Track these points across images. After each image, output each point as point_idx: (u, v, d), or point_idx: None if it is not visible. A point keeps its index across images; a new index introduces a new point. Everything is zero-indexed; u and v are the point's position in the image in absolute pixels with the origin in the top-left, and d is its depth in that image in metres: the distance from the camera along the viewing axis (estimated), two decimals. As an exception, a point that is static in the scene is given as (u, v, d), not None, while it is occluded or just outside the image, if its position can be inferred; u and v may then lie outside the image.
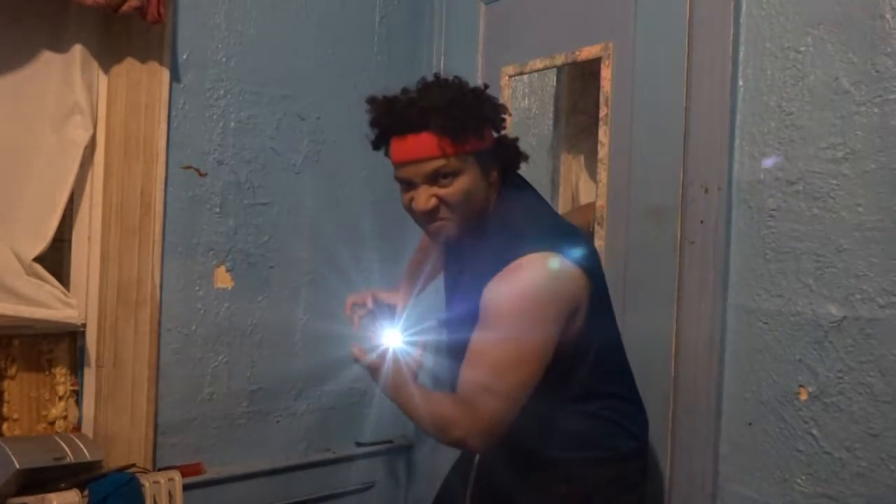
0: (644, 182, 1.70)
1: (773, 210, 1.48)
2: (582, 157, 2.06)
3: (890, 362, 1.31)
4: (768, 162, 1.49)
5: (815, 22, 1.43)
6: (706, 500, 1.56)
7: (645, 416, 1.50)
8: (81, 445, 1.71)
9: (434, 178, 1.31)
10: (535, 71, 2.02)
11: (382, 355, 1.37)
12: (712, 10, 1.57)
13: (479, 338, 1.27)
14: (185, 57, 1.95)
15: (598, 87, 1.81)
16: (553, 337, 1.26)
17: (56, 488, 1.63)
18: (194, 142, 1.98)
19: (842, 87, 1.38)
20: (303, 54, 2.16)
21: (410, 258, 1.80)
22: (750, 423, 1.51)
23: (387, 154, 1.36)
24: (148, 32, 1.84)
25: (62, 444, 1.69)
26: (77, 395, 1.86)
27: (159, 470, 1.90)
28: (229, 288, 2.06)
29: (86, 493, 1.64)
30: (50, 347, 1.83)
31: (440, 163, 1.29)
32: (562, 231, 1.37)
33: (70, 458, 1.67)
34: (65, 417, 1.84)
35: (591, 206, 1.86)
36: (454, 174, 1.30)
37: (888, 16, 1.32)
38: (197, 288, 2.01)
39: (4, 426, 1.78)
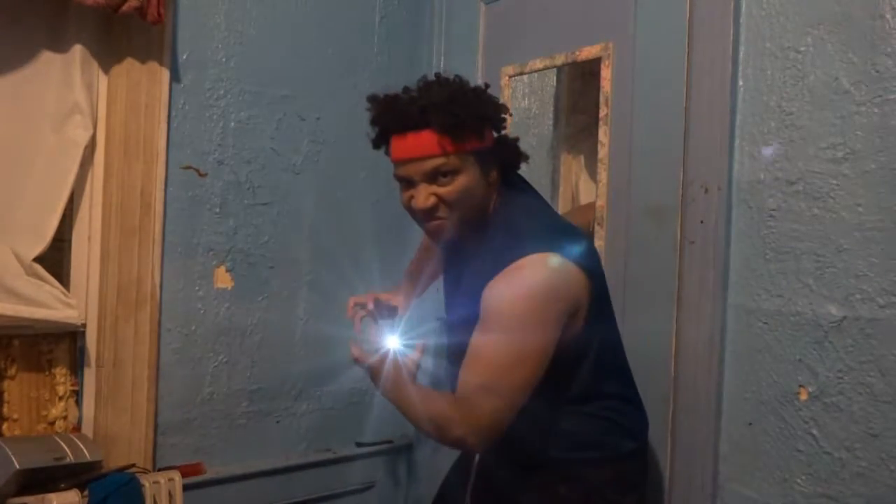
0: (644, 182, 1.70)
1: (773, 210, 1.48)
2: (582, 157, 2.06)
3: (890, 362, 1.31)
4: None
5: (815, 22, 1.43)
6: (706, 500, 1.56)
7: (645, 417, 1.50)
8: (81, 445, 1.71)
9: (433, 177, 1.31)
10: (535, 71, 2.02)
11: (382, 357, 1.37)
12: (712, 10, 1.57)
13: (480, 338, 1.27)
14: (185, 57, 1.95)
15: (598, 87, 1.81)
16: (553, 337, 1.26)
17: (56, 488, 1.63)
18: (194, 142, 1.98)
19: (842, 87, 1.38)
20: (303, 54, 2.16)
21: (412, 258, 1.80)
22: (750, 423, 1.51)
23: (387, 153, 1.37)
24: (148, 32, 1.84)
25: (62, 444, 1.69)
26: (77, 395, 1.86)
27: (159, 470, 1.90)
28: (229, 288, 2.06)
29: (86, 493, 1.64)
30: (50, 347, 1.83)
31: (440, 161, 1.29)
32: (562, 231, 1.36)
33: (70, 458, 1.67)
34: (65, 417, 1.84)
35: (591, 206, 1.86)
36: (453, 173, 1.30)
37: (888, 16, 1.32)
38: (197, 288, 2.01)
39: (4, 426, 1.78)
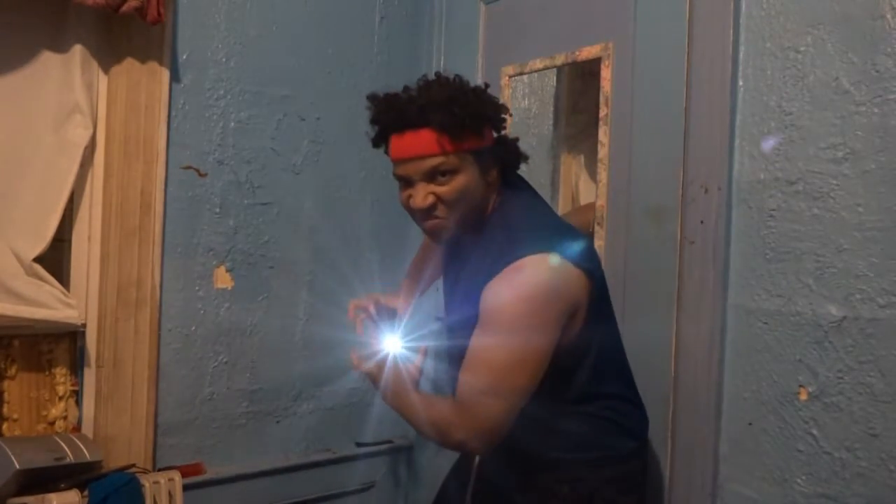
0: (644, 182, 1.70)
1: (773, 210, 1.48)
2: (582, 157, 2.06)
3: (890, 362, 1.31)
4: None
5: (815, 22, 1.43)
6: (706, 500, 1.56)
7: (645, 417, 1.50)
8: (81, 445, 1.71)
9: (432, 176, 1.31)
10: (535, 71, 2.02)
11: (382, 362, 1.38)
12: (712, 10, 1.57)
13: (479, 340, 1.27)
14: (185, 57, 1.95)
15: (598, 87, 1.81)
16: (553, 338, 1.26)
17: (56, 488, 1.63)
18: (194, 142, 1.98)
19: (842, 87, 1.38)
20: (303, 54, 2.16)
21: (413, 259, 1.80)
22: (750, 423, 1.51)
23: (386, 152, 1.37)
24: (148, 32, 1.84)
25: (62, 444, 1.69)
26: (77, 395, 1.86)
27: (159, 470, 1.90)
28: (229, 288, 2.06)
29: (86, 493, 1.64)
30: (50, 347, 1.83)
31: (438, 160, 1.29)
32: (561, 232, 1.36)
33: (70, 458, 1.67)
34: (65, 417, 1.84)
35: (590, 207, 1.86)
36: (452, 172, 1.30)
37: (888, 16, 1.32)
38: (197, 288, 2.01)
39: (4, 426, 1.78)
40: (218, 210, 2.03)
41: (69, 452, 1.68)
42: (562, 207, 2.07)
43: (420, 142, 1.29)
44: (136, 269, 1.88)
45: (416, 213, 1.35)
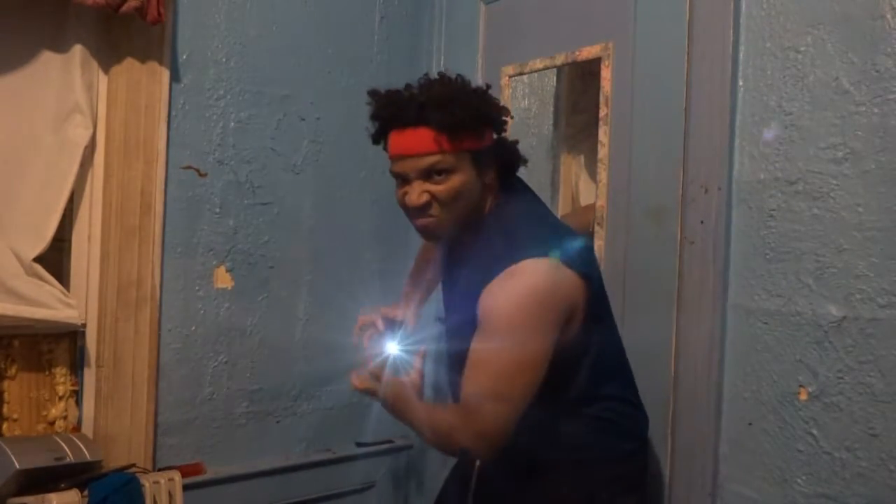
0: (644, 182, 1.70)
1: (773, 210, 1.48)
2: (582, 157, 2.06)
3: (890, 362, 1.31)
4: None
5: (815, 22, 1.43)
6: (706, 500, 1.56)
7: (645, 417, 1.50)
8: (81, 445, 1.71)
9: (428, 174, 1.31)
10: (535, 71, 2.02)
11: (379, 369, 1.38)
12: (712, 10, 1.57)
13: (479, 345, 1.27)
14: (185, 57, 1.95)
15: (598, 87, 1.81)
16: (551, 341, 1.26)
17: (56, 488, 1.62)
18: (194, 142, 1.98)
19: (842, 87, 1.38)
20: (303, 54, 2.16)
21: (414, 262, 1.79)
22: (750, 423, 1.51)
23: (385, 148, 1.37)
24: (148, 32, 1.84)
25: (62, 444, 1.69)
26: (77, 395, 1.86)
27: (159, 470, 1.90)
28: (229, 288, 2.06)
29: (86, 493, 1.64)
30: (50, 347, 1.83)
31: (435, 159, 1.29)
32: (558, 235, 1.36)
33: (70, 458, 1.67)
34: (65, 417, 1.84)
35: (590, 208, 1.86)
36: (448, 171, 1.31)
37: (888, 16, 1.32)
38: (197, 288, 2.01)
39: (4, 426, 1.77)
40: (218, 210, 2.03)
41: (69, 452, 1.68)
42: (562, 208, 2.07)
43: (418, 139, 1.29)
44: (136, 269, 1.88)
45: (411, 211, 1.35)
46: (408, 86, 1.34)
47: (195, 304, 2.00)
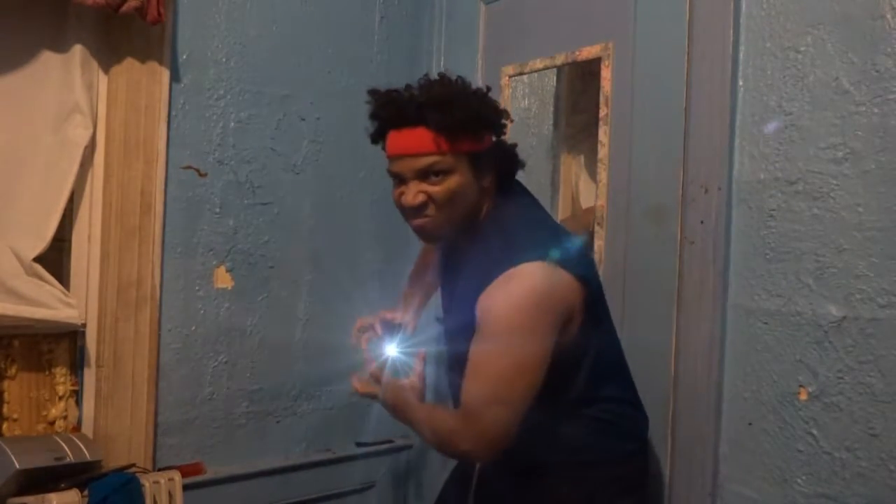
0: (644, 182, 1.70)
1: (773, 210, 1.48)
2: (582, 157, 2.06)
3: (890, 362, 1.31)
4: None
5: (815, 22, 1.43)
6: (706, 500, 1.56)
7: (645, 418, 1.50)
8: (81, 445, 1.71)
9: (425, 175, 1.31)
10: (535, 71, 2.02)
11: (379, 371, 1.39)
12: (712, 10, 1.57)
13: (478, 349, 1.27)
14: (185, 57, 1.95)
15: (598, 87, 1.81)
16: (549, 344, 1.26)
17: (56, 488, 1.63)
18: (194, 142, 1.98)
19: (842, 87, 1.38)
20: (303, 54, 2.16)
21: (414, 265, 1.79)
22: (750, 423, 1.51)
23: (384, 148, 1.37)
24: (148, 32, 1.84)
25: (62, 444, 1.69)
26: (77, 395, 1.86)
27: (159, 470, 1.90)
28: (229, 288, 2.06)
29: (86, 493, 1.64)
30: (50, 347, 1.83)
31: (433, 159, 1.29)
32: (556, 239, 1.36)
33: (70, 458, 1.67)
34: (65, 417, 1.84)
35: (590, 212, 1.85)
36: (445, 172, 1.30)
37: (888, 16, 1.32)
38: (197, 288, 2.01)
39: (4, 426, 1.78)
40: (218, 210, 2.03)
41: (69, 452, 1.68)
42: (562, 208, 2.07)
43: (416, 139, 1.29)
44: (136, 269, 1.88)
45: (407, 211, 1.35)
46: (408, 86, 1.34)
47: (195, 304, 2.00)
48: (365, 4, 2.29)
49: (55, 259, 1.84)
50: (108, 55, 1.83)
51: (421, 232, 1.37)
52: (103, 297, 1.84)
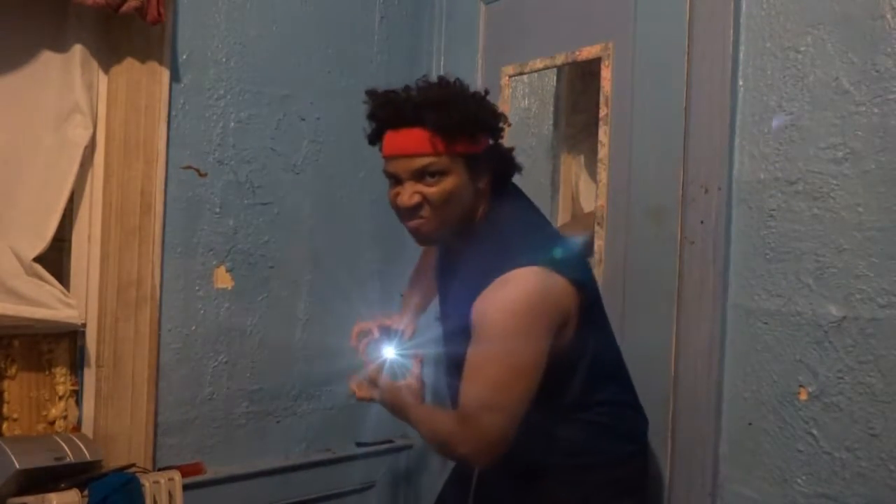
0: (644, 182, 1.70)
1: (773, 210, 1.48)
2: (582, 157, 2.06)
3: (890, 362, 1.31)
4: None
5: (815, 22, 1.43)
6: (706, 500, 1.56)
7: (644, 419, 1.51)
8: (81, 445, 1.71)
9: (420, 175, 1.31)
10: (535, 71, 2.02)
11: (376, 373, 1.39)
12: (712, 10, 1.57)
13: (474, 354, 1.27)
14: (185, 57, 1.95)
15: (598, 87, 1.81)
16: (544, 349, 1.27)
17: (56, 488, 1.63)
18: (194, 142, 1.98)
19: (842, 87, 1.38)
20: (303, 54, 2.16)
21: (414, 268, 1.79)
22: (750, 423, 1.51)
23: (381, 149, 1.37)
24: (148, 32, 1.84)
25: (62, 444, 1.69)
26: (77, 395, 1.86)
27: (159, 470, 1.90)
28: (229, 288, 2.06)
29: (86, 493, 1.64)
30: (50, 347, 1.83)
31: (429, 160, 1.29)
32: (551, 243, 1.36)
33: (70, 458, 1.67)
34: (65, 417, 1.84)
35: (591, 216, 1.85)
36: (441, 174, 1.31)
37: (888, 16, 1.32)
38: (197, 288, 2.01)
39: (4, 426, 1.77)
40: (218, 210, 2.03)
41: (69, 452, 1.68)
42: (562, 208, 2.07)
43: (413, 140, 1.30)
44: (136, 269, 1.88)
45: (402, 212, 1.35)
46: (406, 87, 1.34)
47: (195, 304, 2.00)
48: (365, 4, 2.29)
49: (55, 259, 1.84)
50: (108, 55, 1.83)
51: (416, 233, 1.37)
52: (103, 297, 1.84)
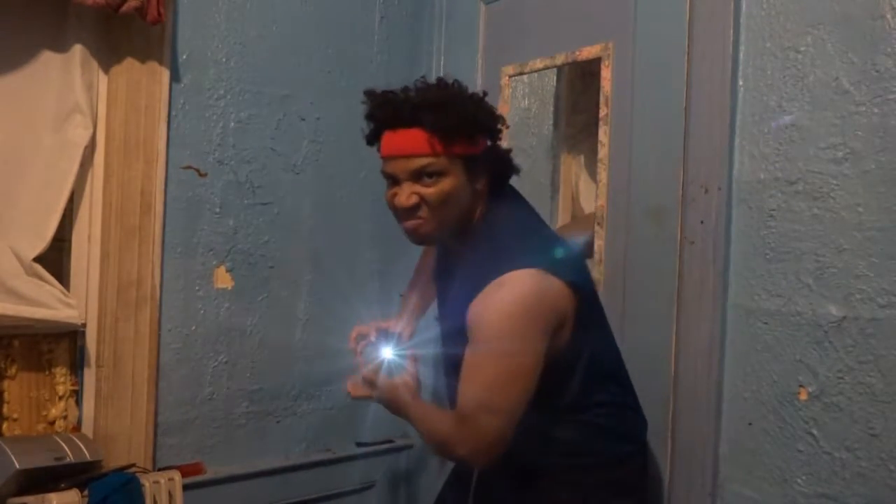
0: (644, 182, 1.70)
1: (773, 210, 1.48)
2: (582, 157, 2.06)
3: (890, 362, 1.31)
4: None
5: (815, 22, 1.43)
6: (706, 500, 1.56)
7: (643, 420, 1.51)
8: (81, 445, 1.71)
9: (418, 176, 1.31)
10: (535, 71, 2.02)
11: (373, 373, 1.40)
12: (712, 10, 1.57)
13: (471, 356, 1.28)
14: (185, 57, 1.95)
15: (598, 87, 1.81)
16: (540, 351, 1.27)
17: (56, 488, 1.63)
18: (194, 142, 1.98)
19: (842, 87, 1.38)
20: (303, 54, 2.16)
21: (414, 269, 1.79)
22: (750, 423, 1.51)
23: (379, 150, 1.37)
24: (148, 32, 1.84)
25: (62, 444, 1.69)
26: (77, 395, 1.86)
27: (159, 470, 1.90)
28: (229, 288, 2.06)
29: (86, 493, 1.64)
30: (50, 347, 1.83)
31: (427, 161, 1.30)
32: (548, 246, 1.36)
33: (70, 458, 1.67)
34: (65, 417, 1.84)
35: (592, 217, 1.85)
36: (439, 174, 1.31)
37: (888, 16, 1.32)
38: (197, 288, 2.01)
39: (4, 426, 1.77)
40: (218, 210, 2.03)
41: (69, 452, 1.68)
42: (562, 208, 2.07)
43: (411, 140, 1.30)
44: (136, 269, 1.88)
45: (399, 213, 1.35)
46: (404, 88, 1.35)
47: (195, 304, 2.00)
48: (365, 4, 2.29)
49: (55, 259, 1.84)
50: (108, 55, 1.83)
51: (413, 234, 1.37)
52: (103, 297, 1.84)
